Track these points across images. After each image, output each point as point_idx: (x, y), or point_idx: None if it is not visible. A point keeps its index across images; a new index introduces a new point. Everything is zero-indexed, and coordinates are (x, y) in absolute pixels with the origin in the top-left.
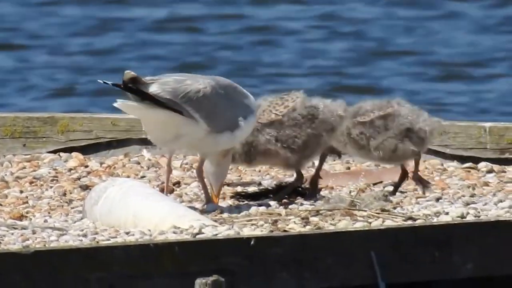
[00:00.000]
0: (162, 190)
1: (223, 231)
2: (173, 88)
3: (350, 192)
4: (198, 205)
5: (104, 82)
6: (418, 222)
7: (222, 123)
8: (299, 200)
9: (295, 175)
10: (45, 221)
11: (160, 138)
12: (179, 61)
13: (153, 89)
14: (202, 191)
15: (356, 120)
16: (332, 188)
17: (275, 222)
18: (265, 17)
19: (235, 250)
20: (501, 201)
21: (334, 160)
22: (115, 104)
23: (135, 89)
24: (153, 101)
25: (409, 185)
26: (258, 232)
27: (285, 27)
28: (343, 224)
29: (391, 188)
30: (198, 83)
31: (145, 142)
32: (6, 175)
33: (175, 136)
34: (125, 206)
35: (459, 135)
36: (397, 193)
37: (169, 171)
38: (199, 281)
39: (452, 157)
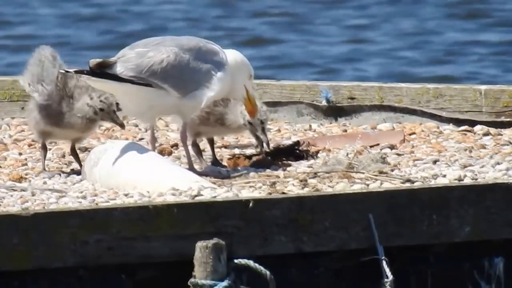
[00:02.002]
0: (160, 152)
1: (222, 193)
2: (136, 64)
3: (347, 154)
4: (196, 167)
5: (66, 71)
6: (416, 184)
7: (192, 86)
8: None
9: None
10: (44, 183)
11: (135, 111)
12: None
13: (117, 69)
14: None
15: None
16: (329, 150)
17: (273, 184)
18: None
19: (233, 212)
20: (498, 163)
21: (331, 123)
22: (88, 82)
23: (99, 73)
24: (120, 80)
25: (405, 147)
26: (256, 194)
27: None
28: (341, 186)
29: (388, 151)
30: (161, 53)
31: None
32: (4, 137)
33: (148, 107)
34: (124, 168)
35: (454, 98)
36: (394, 156)
37: (154, 141)
38: (199, 244)
39: (448, 120)
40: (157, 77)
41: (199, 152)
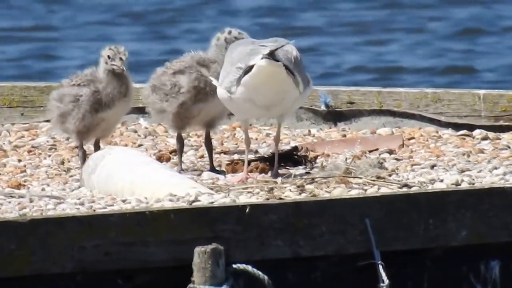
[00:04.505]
0: (158, 158)
1: (219, 199)
2: (284, 55)
3: (346, 159)
4: (195, 173)
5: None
6: (413, 189)
7: (304, 83)
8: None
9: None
10: (43, 189)
11: (270, 101)
12: None
13: (278, 57)
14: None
15: None
16: (328, 155)
17: (271, 190)
18: None
19: (230, 217)
20: (495, 168)
21: (331, 128)
22: (266, 64)
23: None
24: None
25: (404, 152)
26: (253, 200)
27: None
28: (338, 191)
29: (387, 155)
30: (291, 48)
31: (141, 111)
32: (4, 144)
33: (282, 99)
34: (122, 174)
35: (453, 102)
36: (393, 160)
37: (249, 141)
38: (198, 250)
39: (447, 125)
40: (295, 69)
41: (181, 149)
